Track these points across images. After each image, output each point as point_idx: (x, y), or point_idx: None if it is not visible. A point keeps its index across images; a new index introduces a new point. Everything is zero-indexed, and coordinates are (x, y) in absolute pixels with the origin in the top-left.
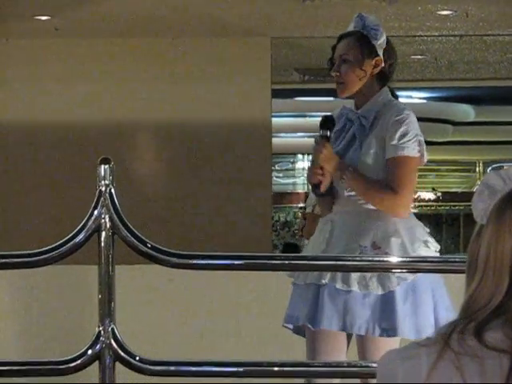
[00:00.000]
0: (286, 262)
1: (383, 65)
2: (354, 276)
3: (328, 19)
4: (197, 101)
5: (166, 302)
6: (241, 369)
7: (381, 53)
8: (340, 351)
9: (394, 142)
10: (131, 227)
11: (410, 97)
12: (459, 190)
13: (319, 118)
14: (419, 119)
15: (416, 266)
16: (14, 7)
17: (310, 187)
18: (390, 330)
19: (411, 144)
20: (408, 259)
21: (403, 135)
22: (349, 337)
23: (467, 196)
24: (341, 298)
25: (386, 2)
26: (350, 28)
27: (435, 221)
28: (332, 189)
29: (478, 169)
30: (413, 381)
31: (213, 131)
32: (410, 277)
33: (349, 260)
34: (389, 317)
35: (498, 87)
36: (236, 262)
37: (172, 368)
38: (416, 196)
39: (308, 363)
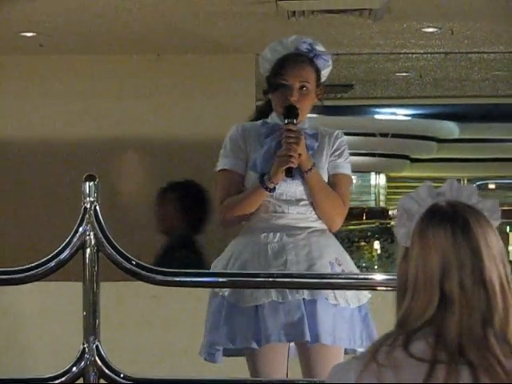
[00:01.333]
0: (270, 279)
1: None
2: (337, 291)
3: (313, 36)
4: (181, 118)
5: (150, 319)
6: None
7: (322, 81)
8: (284, 367)
9: (340, 160)
10: (116, 244)
11: (395, 113)
12: None
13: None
14: (404, 136)
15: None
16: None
17: (284, 172)
18: (369, 341)
19: (349, 165)
20: (392, 277)
21: (345, 156)
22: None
23: None
24: (330, 311)
25: (371, 19)
26: (290, 48)
27: None
28: (274, 189)
29: None
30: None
31: (197, 148)
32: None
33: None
34: (367, 328)
35: (483, 104)
36: (220, 280)
37: None
38: None
39: (293, 381)
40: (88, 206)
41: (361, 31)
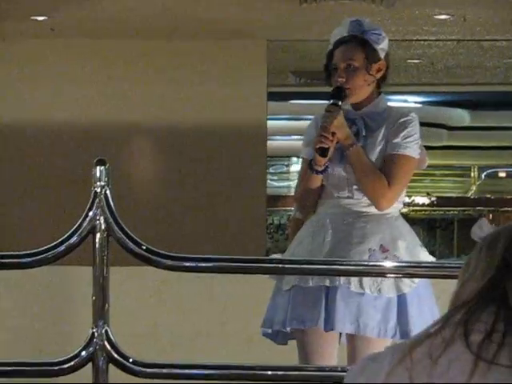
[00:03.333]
0: (280, 265)
1: (385, 69)
2: (366, 278)
3: (324, 22)
4: (192, 103)
5: (159, 303)
6: (234, 372)
7: (383, 56)
8: (332, 355)
9: (397, 140)
10: (126, 229)
11: (406, 101)
12: (454, 195)
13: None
14: None
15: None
16: (11, 7)
17: (316, 152)
18: (403, 333)
19: (413, 145)
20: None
21: (407, 135)
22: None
23: (461, 201)
24: (354, 300)
25: (383, 6)
26: (343, 33)
27: (429, 225)
28: (325, 170)
29: (472, 174)
30: (372, 381)
31: (208, 134)
32: (417, 280)
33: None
34: (402, 320)
35: (494, 92)
36: (229, 265)
37: (165, 370)
38: (410, 200)
39: (301, 367)
40: (98, 190)
41: (373, 18)
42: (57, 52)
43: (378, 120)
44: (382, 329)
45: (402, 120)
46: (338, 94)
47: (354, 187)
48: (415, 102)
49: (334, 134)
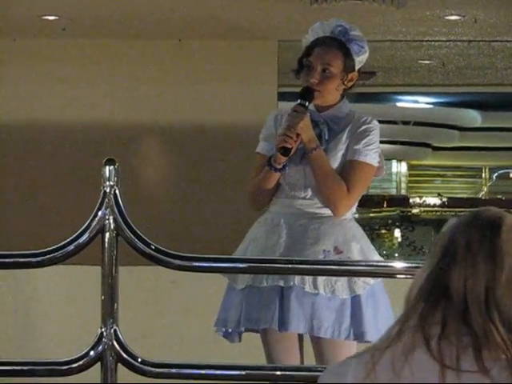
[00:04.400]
0: (290, 265)
1: (355, 80)
2: (320, 279)
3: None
4: (202, 103)
5: (168, 303)
6: (243, 372)
7: (357, 68)
8: (296, 355)
9: (358, 147)
10: (135, 229)
11: (417, 101)
12: (465, 196)
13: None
14: (426, 124)
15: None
16: (22, 7)
17: (278, 151)
18: (357, 334)
19: (373, 153)
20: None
21: (368, 143)
22: (301, 341)
23: (473, 202)
24: (308, 300)
25: (393, 6)
26: (327, 32)
27: (440, 226)
28: (283, 169)
29: (484, 175)
30: None
31: (218, 133)
32: (372, 281)
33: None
34: (356, 321)
35: (506, 93)
36: (239, 265)
37: (174, 370)
38: (421, 201)
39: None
40: (108, 190)
41: (383, 18)
42: (68, 52)
43: (340, 124)
44: (336, 330)
45: (364, 127)
46: (307, 94)
47: (310, 189)
48: (426, 103)
49: (298, 135)
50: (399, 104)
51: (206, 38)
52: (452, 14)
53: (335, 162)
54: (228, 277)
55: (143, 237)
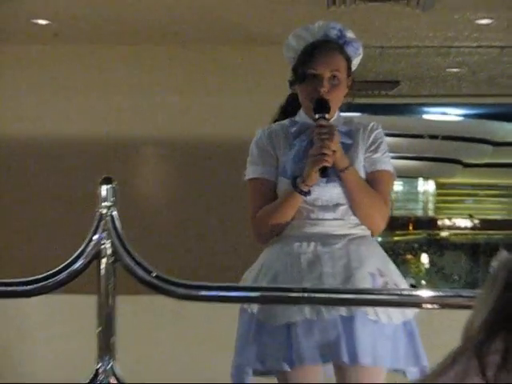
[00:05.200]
0: (305, 294)
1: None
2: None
3: (355, 27)
4: (204, 114)
5: (170, 335)
6: None
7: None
8: None
9: (378, 156)
10: (134, 254)
11: (445, 113)
12: (499, 217)
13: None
14: (455, 138)
15: (451, 301)
16: (12, 11)
17: (316, 172)
18: (414, 361)
19: (389, 160)
20: (441, 294)
21: (384, 150)
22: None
23: (508, 224)
24: (370, 328)
25: (419, 9)
26: (317, 36)
27: (472, 250)
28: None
29: None
30: None
31: (222, 147)
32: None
33: (382, 294)
34: (413, 347)
35: None
36: (250, 295)
37: None
38: (451, 223)
39: None
40: (104, 211)
41: (408, 22)
42: (60, 59)
43: (350, 136)
44: (395, 357)
45: (375, 134)
46: (323, 106)
47: (341, 208)
48: (455, 115)
49: (334, 151)
50: (426, 116)
51: (210, 42)
52: (483, 18)
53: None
54: (259, 315)
55: (143, 263)
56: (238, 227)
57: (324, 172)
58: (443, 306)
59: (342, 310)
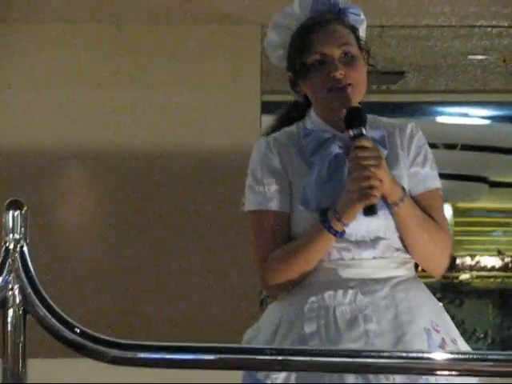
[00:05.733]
0: (280, 357)
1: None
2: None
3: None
4: (154, 116)
5: None
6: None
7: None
8: None
9: (427, 170)
10: (51, 303)
11: (466, 115)
12: None
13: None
14: (480, 148)
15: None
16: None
17: (362, 210)
18: None
19: (437, 172)
20: (459, 356)
21: (432, 161)
22: None
23: None
24: None
25: None
26: (305, 11)
27: (501, 298)
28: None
29: None
30: None
31: (179, 160)
32: None
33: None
34: None
35: None
36: (206, 358)
37: None
38: (474, 262)
39: None
40: (11, 246)
41: None
42: None
43: (383, 144)
44: None
45: (417, 138)
46: (357, 116)
47: (383, 243)
48: (480, 117)
49: (381, 181)
50: (440, 119)
51: (160, 21)
52: None
53: None
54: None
55: (63, 315)
56: (198, 267)
57: (370, 210)
58: (462, 372)
59: (398, 379)
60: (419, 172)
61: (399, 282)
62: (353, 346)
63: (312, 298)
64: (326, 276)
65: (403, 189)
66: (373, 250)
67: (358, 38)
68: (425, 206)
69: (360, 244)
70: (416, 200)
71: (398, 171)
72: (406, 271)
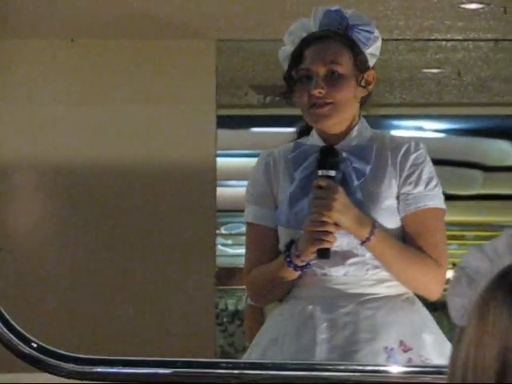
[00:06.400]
0: (236, 371)
1: (374, 82)
2: None
3: (303, 14)
4: (108, 130)
5: None
6: None
7: (372, 64)
8: None
9: (420, 189)
10: (8, 318)
11: (421, 128)
12: None
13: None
14: (437, 162)
15: None
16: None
17: (315, 254)
18: None
19: (439, 191)
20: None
21: (429, 179)
22: None
23: None
24: None
25: None
26: (313, 27)
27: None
28: (309, 264)
29: None
30: None
31: (130, 176)
32: None
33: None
34: None
35: None
36: (162, 372)
37: None
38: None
39: None
40: None
41: (370, 6)
42: None
43: (368, 159)
44: None
45: (413, 158)
46: (328, 156)
47: (353, 260)
48: (435, 131)
49: (336, 225)
50: (395, 132)
51: (113, 36)
52: (471, 1)
53: (381, 218)
54: None
55: (20, 330)
56: (152, 283)
57: (323, 255)
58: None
59: None
60: (411, 192)
61: (370, 299)
62: (302, 357)
63: (285, 314)
64: (302, 291)
65: (374, 223)
66: (343, 267)
67: (358, 59)
68: (415, 226)
69: (332, 260)
70: (406, 221)
71: (379, 189)
72: (385, 289)
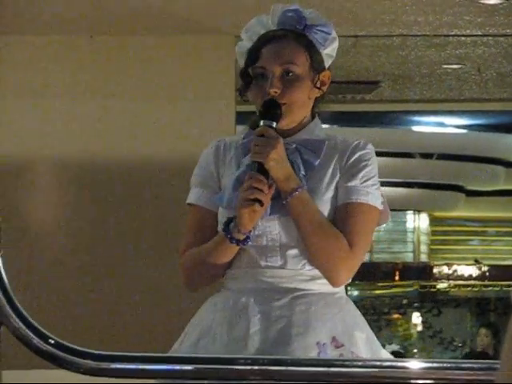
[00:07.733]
0: (256, 367)
1: (329, 83)
2: None
3: (320, 10)
4: (128, 126)
5: None
6: None
7: (327, 65)
8: None
9: (355, 183)
10: (26, 314)
11: (442, 124)
12: None
13: None
14: (456, 157)
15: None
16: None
17: (249, 214)
18: None
19: (375, 190)
20: (436, 365)
21: (367, 177)
22: None
23: None
24: None
25: None
26: (271, 25)
27: (479, 307)
28: (248, 238)
29: None
30: None
31: (149, 173)
32: None
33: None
34: None
35: None
36: (183, 368)
37: None
38: (451, 271)
39: None
40: None
41: (390, 2)
42: None
43: (318, 153)
44: None
45: (358, 155)
46: (272, 110)
47: (291, 252)
48: (455, 127)
49: (272, 182)
50: (416, 128)
51: (131, 33)
52: None
53: (321, 208)
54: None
55: (38, 327)
56: (172, 279)
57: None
58: (439, 382)
59: None
60: (345, 185)
61: (305, 295)
62: (234, 348)
63: (218, 306)
64: (234, 282)
65: (302, 186)
66: (280, 258)
67: (314, 59)
68: (341, 217)
69: (268, 250)
70: (337, 210)
71: (323, 182)
72: (320, 286)
